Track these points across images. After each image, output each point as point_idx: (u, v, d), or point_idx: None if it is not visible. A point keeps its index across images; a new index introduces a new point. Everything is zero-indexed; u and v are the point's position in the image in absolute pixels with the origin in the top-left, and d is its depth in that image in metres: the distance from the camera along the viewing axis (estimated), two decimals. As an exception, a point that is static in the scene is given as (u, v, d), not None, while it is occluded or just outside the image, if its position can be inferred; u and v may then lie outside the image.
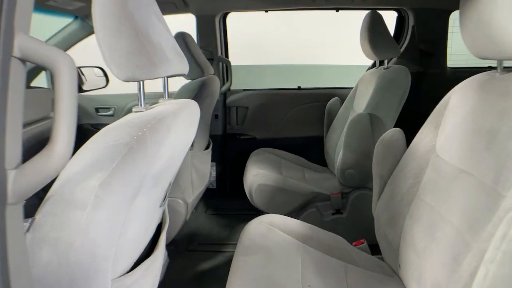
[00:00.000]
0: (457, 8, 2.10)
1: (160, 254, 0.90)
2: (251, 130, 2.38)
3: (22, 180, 0.41)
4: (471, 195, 0.78)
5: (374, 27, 1.72)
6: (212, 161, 2.33)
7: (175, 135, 0.74)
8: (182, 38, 1.69)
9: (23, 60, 0.43)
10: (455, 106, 0.95)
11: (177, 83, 1.75)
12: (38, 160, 0.42)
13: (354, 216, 1.67)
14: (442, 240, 0.82)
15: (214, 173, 2.38)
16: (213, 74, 2.05)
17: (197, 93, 1.63)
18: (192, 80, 1.75)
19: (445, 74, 2.19)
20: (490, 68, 2.38)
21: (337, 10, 2.13)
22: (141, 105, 0.75)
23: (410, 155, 1.08)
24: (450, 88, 0.98)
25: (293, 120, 2.35)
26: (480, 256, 0.61)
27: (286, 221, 1.16)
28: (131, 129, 0.60)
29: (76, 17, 1.95)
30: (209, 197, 2.36)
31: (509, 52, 0.70)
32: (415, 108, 1.81)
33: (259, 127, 2.37)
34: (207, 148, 2.02)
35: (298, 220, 1.19)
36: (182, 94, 1.64)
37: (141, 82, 0.74)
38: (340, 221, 1.69)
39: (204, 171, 1.93)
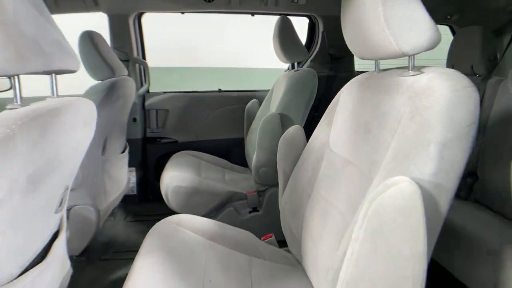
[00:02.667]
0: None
1: (52, 262, 0.82)
2: (172, 133, 2.33)
3: None
4: (354, 183, 0.86)
5: (284, 31, 1.80)
6: (131, 166, 2.24)
7: (56, 135, 0.70)
8: (88, 37, 1.60)
9: None
10: (343, 104, 1.05)
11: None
12: None
13: (270, 213, 1.73)
14: (332, 227, 0.89)
15: (134, 179, 2.29)
16: (128, 76, 1.98)
17: (106, 94, 1.55)
18: (102, 80, 1.66)
19: (353, 77, 2.37)
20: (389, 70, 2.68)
21: (253, 14, 2.20)
22: (16, 101, 0.70)
23: (309, 150, 1.15)
24: None
25: (215, 122, 2.36)
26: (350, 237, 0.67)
27: (194, 220, 1.15)
28: None
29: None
30: (129, 204, 2.26)
31: (382, 53, 0.78)
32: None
33: (180, 130, 2.34)
34: (123, 152, 1.93)
35: (207, 219, 1.19)
36: (88, 95, 1.55)
37: (16, 77, 0.69)
38: (257, 218, 1.74)
39: (119, 177, 1.85)
